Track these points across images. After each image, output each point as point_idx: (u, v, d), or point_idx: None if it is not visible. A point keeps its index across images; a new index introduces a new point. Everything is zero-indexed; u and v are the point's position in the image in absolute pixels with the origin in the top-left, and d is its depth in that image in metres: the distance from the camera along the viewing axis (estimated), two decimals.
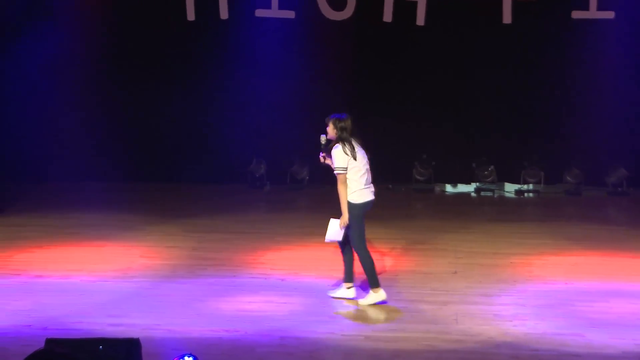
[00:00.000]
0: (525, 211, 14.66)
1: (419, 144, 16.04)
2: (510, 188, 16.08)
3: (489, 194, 15.87)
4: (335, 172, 8.99)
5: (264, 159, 16.18)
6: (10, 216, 13.58)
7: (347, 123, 8.99)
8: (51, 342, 6.04)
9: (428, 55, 15.87)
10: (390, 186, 16.01)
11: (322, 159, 9.24)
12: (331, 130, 9.05)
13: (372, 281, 9.16)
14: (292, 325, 8.50)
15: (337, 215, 9.05)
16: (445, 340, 8.15)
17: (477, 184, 16.04)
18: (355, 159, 8.93)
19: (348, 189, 8.95)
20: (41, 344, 6.03)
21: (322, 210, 13.98)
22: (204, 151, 16.24)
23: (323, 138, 9.11)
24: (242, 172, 16.08)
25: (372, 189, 9.16)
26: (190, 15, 15.84)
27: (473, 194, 15.93)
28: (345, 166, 8.91)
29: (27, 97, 16.25)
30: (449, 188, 16.30)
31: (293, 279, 10.03)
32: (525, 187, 16.02)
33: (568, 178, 15.80)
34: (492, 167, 15.89)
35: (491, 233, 12.63)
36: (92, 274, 10.29)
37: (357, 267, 9.28)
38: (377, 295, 9.18)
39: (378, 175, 16.08)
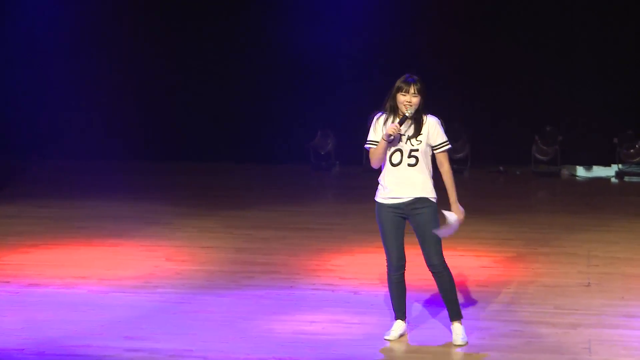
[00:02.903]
0: None
1: (540, 113, 15.93)
2: None
3: (636, 179, 15.70)
4: (447, 147, 8.74)
5: (331, 132, 16.17)
6: None
7: None
8: None
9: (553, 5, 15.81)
10: (502, 168, 15.96)
11: (395, 129, 8.79)
12: (416, 98, 8.77)
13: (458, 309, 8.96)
14: (367, 353, 8.48)
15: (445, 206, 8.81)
16: None
17: (620, 166, 15.90)
18: None
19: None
20: None
21: None
22: (256, 123, 16.30)
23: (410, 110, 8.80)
24: (304, 148, 16.10)
25: None
26: None
27: (614, 180, 15.81)
28: None
29: (26, 58, 16.55)
30: (580, 171, 16.20)
31: (369, 291, 9.99)
32: None
33: None
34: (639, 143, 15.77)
35: (638, 232, 12.50)
36: (104, 283, 10.39)
37: None
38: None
39: (487, 153, 16.28)
